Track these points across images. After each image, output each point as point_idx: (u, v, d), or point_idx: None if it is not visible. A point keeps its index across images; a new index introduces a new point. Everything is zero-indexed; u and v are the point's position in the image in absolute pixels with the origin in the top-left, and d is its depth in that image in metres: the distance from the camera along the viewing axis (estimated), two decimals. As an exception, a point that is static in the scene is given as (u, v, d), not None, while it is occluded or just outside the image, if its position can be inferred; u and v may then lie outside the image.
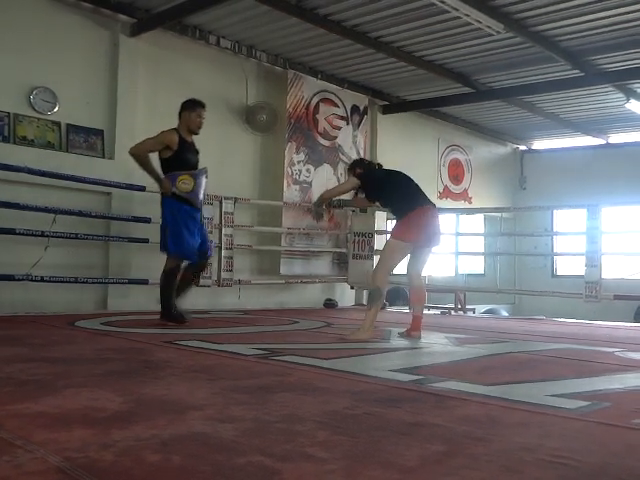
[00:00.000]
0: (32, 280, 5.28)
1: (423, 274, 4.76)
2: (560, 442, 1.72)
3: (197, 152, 4.84)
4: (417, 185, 4.56)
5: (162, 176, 4.66)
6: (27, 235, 5.31)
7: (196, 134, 4.80)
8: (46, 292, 5.57)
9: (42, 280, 5.34)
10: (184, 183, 4.59)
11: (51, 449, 1.50)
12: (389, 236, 4.58)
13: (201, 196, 4.76)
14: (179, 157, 4.63)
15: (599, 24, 6.28)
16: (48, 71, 5.85)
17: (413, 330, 4.39)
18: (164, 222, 4.68)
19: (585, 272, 6.57)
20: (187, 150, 4.70)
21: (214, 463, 1.46)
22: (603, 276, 6.51)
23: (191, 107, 4.73)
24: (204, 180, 4.77)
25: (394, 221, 4.69)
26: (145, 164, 4.65)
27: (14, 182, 5.38)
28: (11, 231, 5.20)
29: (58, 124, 5.90)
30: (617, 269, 9.68)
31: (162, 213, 4.71)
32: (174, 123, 6.28)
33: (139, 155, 4.62)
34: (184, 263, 4.75)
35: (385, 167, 4.98)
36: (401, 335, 4.46)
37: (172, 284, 4.65)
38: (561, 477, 1.44)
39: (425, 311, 8.09)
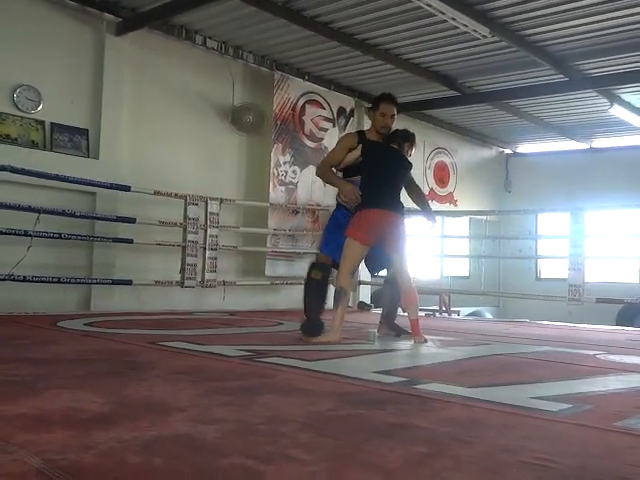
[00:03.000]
0: (14, 280, 5.23)
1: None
2: (542, 444, 1.73)
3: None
4: (395, 184, 4.28)
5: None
6: (10, 234, 5.25)
7: (384, 134, 4.31)
8: (29, 292, 5.51)
9: (25, 280, 5.29)
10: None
11: (31, 451, 1.48)
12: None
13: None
14: (352, 167, 4.27)
15: (584, 29, 6.34)
16: (32, 69, 5.80)
17: (414, 335, 4.16)
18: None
19: (568, 275, 6.62)
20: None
21: (197, 465, 1.45)
22: (586, 279, 6.56)
23: (376, 104, 4.30)
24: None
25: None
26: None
27: (-3, 181, 5.32)
28: (-7, 230, 5.15)
29: (42, 123, 5.85)
30: (600, 272, 9.79)
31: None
32: (159, 122, 6.26)
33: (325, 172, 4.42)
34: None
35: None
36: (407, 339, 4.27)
37: (322, 292, 4.31)
38: (540, 478, 1.45)
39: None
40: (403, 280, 4.33)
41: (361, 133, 4.40)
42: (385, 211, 4.16)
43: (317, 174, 4.53)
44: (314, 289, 4.29)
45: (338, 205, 4.47)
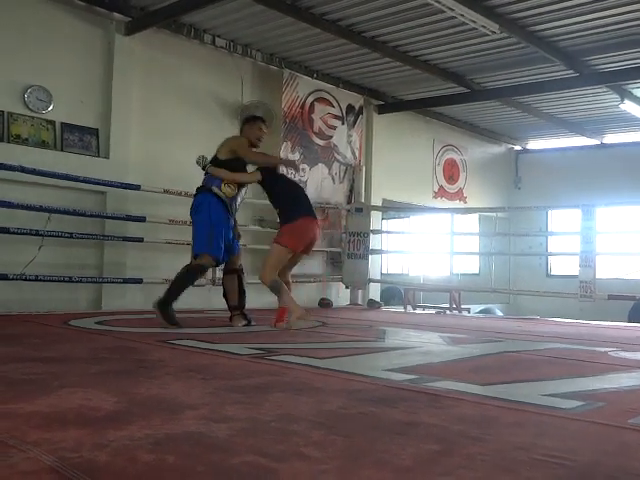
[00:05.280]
0: (26, 279, 5.27)
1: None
2: (555, 441, 1.72)
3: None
4: (305, 193, 5.01)
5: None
6: (21, 234, 5.29)
7: (257, 147, 4.85)
8: (40, 291, 5.55)
9: (36, 279, 5.33)
10: (230, 188, 4.61)
11: (45, 449, 1.49)
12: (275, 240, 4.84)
13: (235, 205, 4.75)
14: (236, 165, 4.66)
15: (594, 24, 6.30)
16: (42, 69, 5.83)
17: (277, 321, 4.65)
18: (199, 219, 4.59)
19: (579, 272, 6.60)
20: (243, 161, 4.74)
21: (209, 463, 1.45)
22: (597, 276, 6.53)
23: (254, 121, 4.89)
24: (243, 193, 4.82)
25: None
26: (265, 162, 4.87)
27: (8, 181, 5.36)
28: (5, 230, 5.19)
29: (53, 123, 5.88)
30: (611, 269, 9.73)
31: (197, 211, 4.62)
32: (168, 121, 6.30)
33: (259, 161, 4.84)
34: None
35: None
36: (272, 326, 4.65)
37: (189, 280, 4.55)
38: (555, 476, 1.45)
39: (420, 310, 8.16)
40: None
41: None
42: (312, 217, 4.90)
43: (257, 163, 4.87)
44: (187, 283, 4.55)
45: (212, 195, 4.58)
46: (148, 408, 1.98)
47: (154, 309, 4.43)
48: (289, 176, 5.29)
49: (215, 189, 4.57)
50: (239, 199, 4.78)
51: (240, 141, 4.78)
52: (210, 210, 4.53)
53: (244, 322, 4.71)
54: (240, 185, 4.71)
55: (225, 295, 4.82)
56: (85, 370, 2.64)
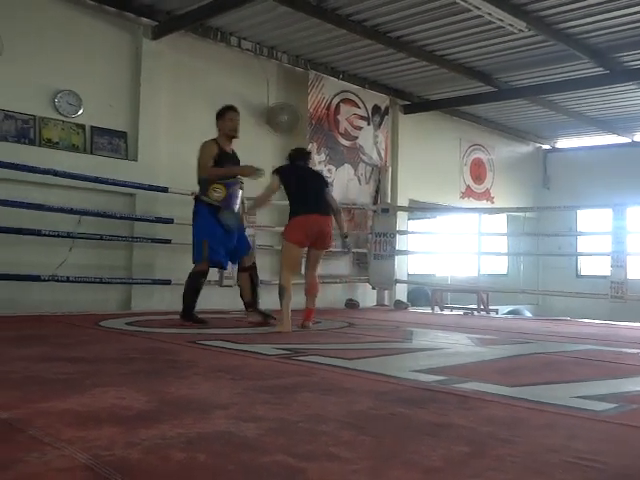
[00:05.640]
0: (58, 280, 5.36)
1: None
2: (586, 444, 1.70)
3: (237, 161, 4.90)
4: (314, 188, 4.85)
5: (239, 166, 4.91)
6: (53, 236, 5.40)
7: (235, 137, 4.84)
8: (71, 292, 5.65)
9: (67, 280, 5.42)
10: (215, 191, 4.68)
11: (79, 447, 1.52)
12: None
13: (236, 206, 4.82)
14: (217, 167, 4.72)
15: (624, 21, 6.20)
16: (72, 74, 5.93)
17: (305, 320, 4.77)
18: (193, 229, 4.79)
19: (611, 272, 6.49)
20: (225, 160, 4.77)
21: (239, 462, 1.47)
22: (629, 276, 6.42)
23: (222, 114, 4.83)
24: (238, 190, 4.82)
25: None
26: (221, 176, 4.74)
27: (40, 184, 5.47)
28: (37, 232, 5.29)
29: (82, 127, 5.98)
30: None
31: (193, 220, 4.81)
32: (196, 124, 6.37)
33: (211, 177, 4.72)
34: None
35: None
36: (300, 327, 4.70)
37: (195, 286, 4.71)
38: (587, 479, 1.43)
39: (447, 311, 8.11)
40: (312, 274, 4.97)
41: (215, 140, 4.80)
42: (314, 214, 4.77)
43: (203, 179, 4.75)
44: (194, 290, 4.72)
45: (203, 204, 4.71)
46: (179, 407, 2.01)
47: (181, 321, 4.69)
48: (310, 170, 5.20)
49: (203, 197, 4.71)
50: (237, 200, 4.82)
51: (201, 160, 4.75)
52: (201, 219, 4.70)
53: (259, 318, 4.82)
54: (229, 184, 4.72)
55: (240, 294, 4.99)
56: (116, 370, 2.68)
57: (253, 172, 4.71)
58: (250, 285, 4.92)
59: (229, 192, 4.72)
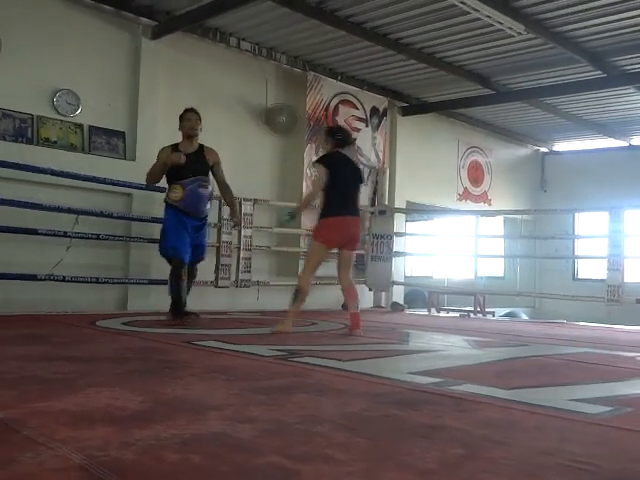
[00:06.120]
0: (54, 280, 5.36)
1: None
2: (580, 447, 1.70)
3: (200, 161, 4.94)
4: (354, 187, 4.65)
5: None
6: (50, 235, 5.39)
7: (192, 135, 4.93)
8: (68, 292, 5.64)
9: (64, 280, 5.42)
10: (173, 192, 4.83)
11: (73, 447, 1.52)
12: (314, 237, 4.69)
13: (200, 204, 4.90)
14: (172, 169, 4.84)
15: (622, 24, 6.22)
16: (71, 74, 5.93)
17: (353, 328, 4.51)
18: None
19: (607, 275, 6.50)
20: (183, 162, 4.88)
21: (233, 463, 1.47)
22: (625, 280, 6.43)
23: (181, 116, 5.00)
24: (199, 189, 4.86)
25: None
26: (153, 175, 4.96)
27: (37, 183, 5.46)
28: (34, 231, 5.29)
29: (80, 126, 5.97)
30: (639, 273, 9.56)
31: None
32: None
33: (152, 183, 5.02)
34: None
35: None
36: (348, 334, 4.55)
37: (173, 282, 4.83)
38: (581, 482, 1.43)
39: (444, 314, 8.11)
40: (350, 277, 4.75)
41: (174, 145, 4.96)
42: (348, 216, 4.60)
43: (147, 183, 5.08)
44: (174, 284, 4.85)
45: (168, 206, 4.91)
46: (173, 408, 2.00)
47: (167, 318, 4.83)
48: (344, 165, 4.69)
49: (166, 199, 4.90)
50: (202, 197, 4.87)
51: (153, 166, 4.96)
52: (166, 220, 4.93)
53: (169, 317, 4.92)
54: (186, 183, 4.78)
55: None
56: (111, 370, 2.68)
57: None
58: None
59: (186, 191, 4.80)
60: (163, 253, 4.94)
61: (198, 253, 5.02)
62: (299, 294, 4.52)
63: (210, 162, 5.00)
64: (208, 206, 5.01)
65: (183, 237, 4.81)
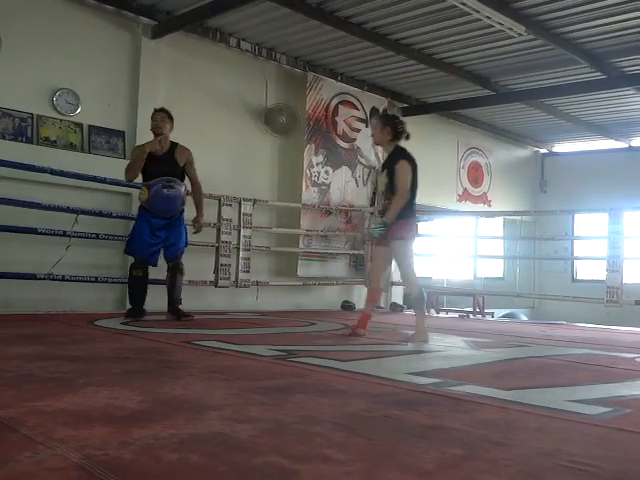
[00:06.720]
0: (53, 279, 5.35)
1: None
2: (580, 448, 1.70)
3: (169, 160, 4.99)
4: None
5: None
6: (49, 235, 5.38)
7: (157, 134, 5.00)
8: (67, 291, 5.63)
9: (63, 279, 5.41)
10: (141, 193, 4.99)
11: (71, 446, 1.52)
12: (398, 239, 4.26)
13: (166, 204, 4.94)
14: (143, 171, 4.98)
15: (622, 26, 6.22)
16: (71, 73, 5.92)
17: (359, 327, 4.44)
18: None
19: (606, 277, 6.49)
20: (152, 161, 4.94)
21: (232, 463, 1.46)
22: (624, 281, 6.43)
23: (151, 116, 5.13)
24: (163, 189, 4.89)
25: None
26: (129, 173, 5.05)
27: (37, 182, 5.45)
28: (33, 231, 5.28)
29: (80, 125, 5.97)
30: (639, 274, 9.56)
31: None
32: (194, 124, 6.39)
33: (131, 177, 5.07)
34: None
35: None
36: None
37: (129, 279, 5.10)
38: (580, 483, 1.43)
39: (443, 314, 8.11)
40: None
41: (144, 144, 5.07)
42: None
43: (127, 180, 5.15)
44: (131, 284, 5.14)
45: (140, 206, 5.05)
46: (172, 408, 2.00)
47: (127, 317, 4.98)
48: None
49: (139, 199, 5.05)
50: (169, 198, 4.91)
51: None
52: (137, 219, 5.08)
53: (171, 318, 5.09)
54: (150, 185, 4.87)
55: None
56: (110, 369, 2.67)
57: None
58: (168, 285, 5.18)
59: (151, 192, 4.87)
60: (126, 252, 5.22)
61: (172, 251, 5.12)
62: (422, 298, 4.33)
63: (181, 162, 5.05)
64: (179, 205, 5.04)
65: (143, 237, 4.95)
